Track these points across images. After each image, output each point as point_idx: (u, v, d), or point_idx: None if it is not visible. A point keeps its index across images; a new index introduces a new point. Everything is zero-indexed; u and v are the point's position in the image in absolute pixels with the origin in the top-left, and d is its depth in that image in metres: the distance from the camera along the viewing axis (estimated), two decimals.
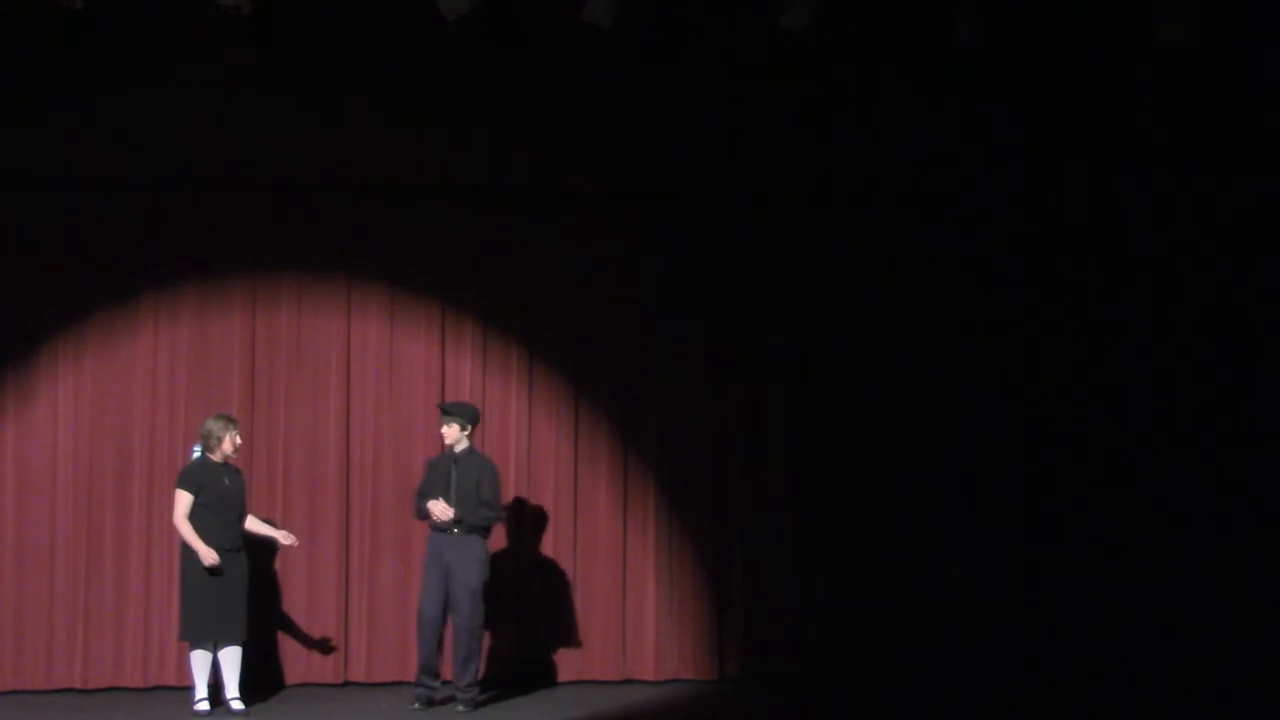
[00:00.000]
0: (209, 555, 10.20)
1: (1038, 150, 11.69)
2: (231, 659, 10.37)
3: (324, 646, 11.36)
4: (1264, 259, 11.42)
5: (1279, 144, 11.23)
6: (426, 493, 10.65)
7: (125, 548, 11.16)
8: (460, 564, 10.50)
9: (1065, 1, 10.79)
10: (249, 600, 10.45)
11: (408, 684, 10.96)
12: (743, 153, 11.57)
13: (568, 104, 11.34)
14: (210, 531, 10.28)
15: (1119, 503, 11.68)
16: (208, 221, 11.33)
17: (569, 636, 11.66)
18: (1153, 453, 11.64)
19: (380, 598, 11.45)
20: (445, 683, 10.72)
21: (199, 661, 10.35)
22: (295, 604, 11.37)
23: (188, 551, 10.28)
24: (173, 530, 10.50)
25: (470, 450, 10.71)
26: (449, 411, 10.76)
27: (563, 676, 11.60)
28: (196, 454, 10.51)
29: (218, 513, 10.33)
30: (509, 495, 11.40)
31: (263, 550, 10.99)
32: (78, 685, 11.05)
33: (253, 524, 10.62)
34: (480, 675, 10.78)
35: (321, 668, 11.36)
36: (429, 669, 10.62)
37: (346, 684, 11.36)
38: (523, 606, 11.57)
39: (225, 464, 10.48)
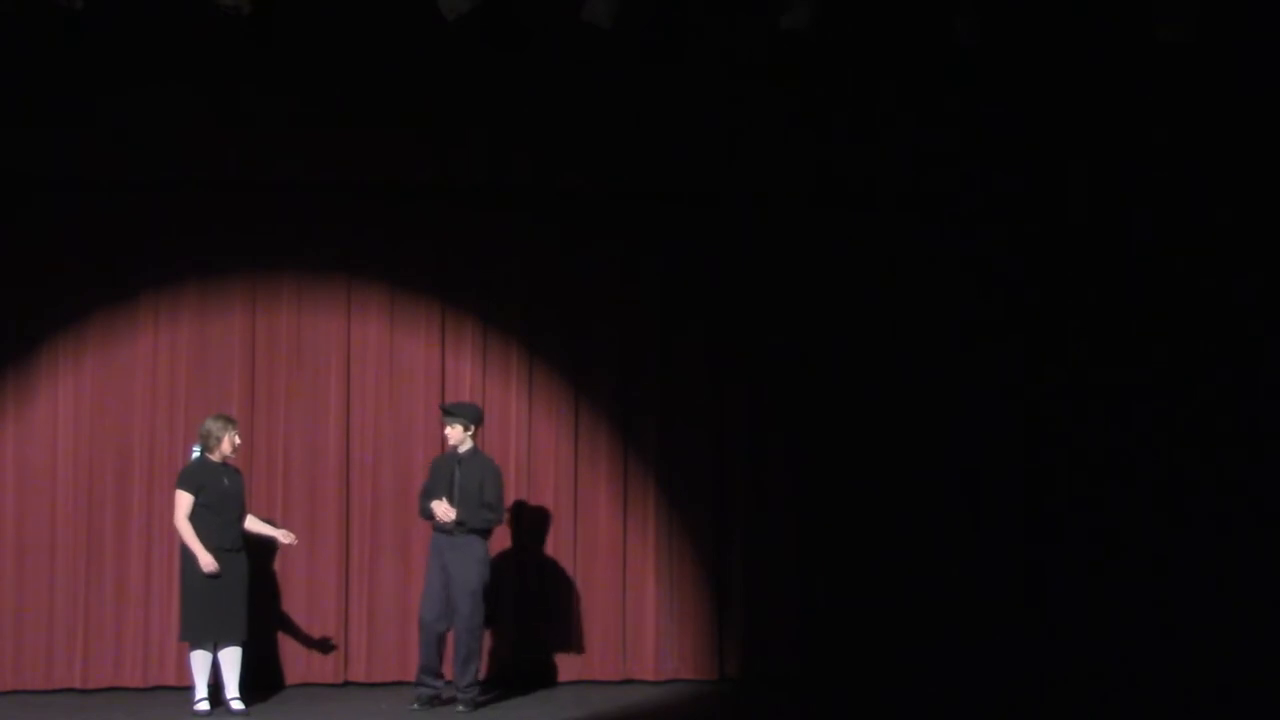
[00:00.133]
0: (209, 563, 10.20)
1: (1038, 150, 11.69)
2: (231, 659, 10.36)
3: (324, 646, 11.36)
4: (1264, 259, 11.43)
5: (1279, 144, 11.25)
6: (431, 492, 10.64)
7: (125, 548, 11.15)
8: (460, 565, 10.50)
9: (1065, 1, 10.79)
10: (249, 600, 10.45)
11: (408, 684, 10.96)
12: (743, 153, 11.56)
13: (568, 104, 11.34)
14: (210, 531, 10.28)
15: (1119, 503, 11.69)
16: (208, 221, 11.33)
17: (569, 637, 11.66)
18: (1153, 453, 11.65)
19: (380, 598, 11.45)
20: (447, 682, 10.72)
21: (199, 661, 10.35)
22: (295, 604, 11.36)
23: (188, 551, 10.27)
24: (173, 530, 10.50)
25: (474, 451, 10.70)
26: (451, 412, 10.74)
27: (563, 676, 11.59)
28: (196, 454, 10.51)
29: (217, 513, 10.33)
30: (509, 496, 11.40)
31: (263, 550, 10.99)
32: (78, 685, 11.04)
33: (252, 523, 10.62)
34: (481, 675, 10.77)
35: (321, 668, 11.36)
36: (430, 669, 10.62)
37: (346, 684, 11.35)
38: (523, 606, 11.57)
39: (224, 464, 10.47)
